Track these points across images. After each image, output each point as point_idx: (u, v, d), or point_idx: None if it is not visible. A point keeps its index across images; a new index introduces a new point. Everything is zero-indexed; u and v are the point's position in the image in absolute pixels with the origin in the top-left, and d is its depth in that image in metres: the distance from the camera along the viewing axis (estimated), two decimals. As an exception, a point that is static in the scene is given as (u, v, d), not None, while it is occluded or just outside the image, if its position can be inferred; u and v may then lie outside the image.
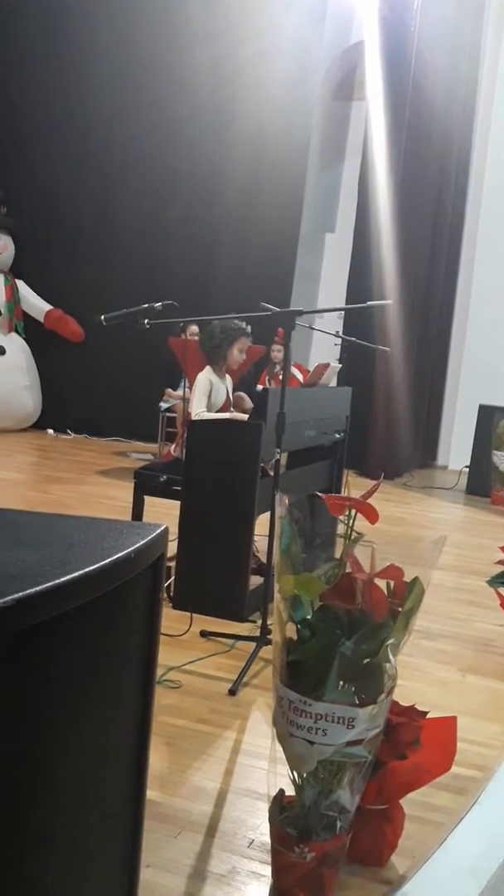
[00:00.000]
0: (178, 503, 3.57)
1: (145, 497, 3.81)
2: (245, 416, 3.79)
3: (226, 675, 2.91)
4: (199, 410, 3.75)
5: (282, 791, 1.84)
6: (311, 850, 1.74)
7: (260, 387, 6.64)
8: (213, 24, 7.98)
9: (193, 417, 3.72)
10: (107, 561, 1.12)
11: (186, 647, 3.12)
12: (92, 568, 1.07)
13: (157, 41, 8.05)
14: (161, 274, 8.09)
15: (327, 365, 4.73)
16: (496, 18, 9.12)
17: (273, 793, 1.84)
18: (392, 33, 7.91)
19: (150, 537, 1.28)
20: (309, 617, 1.78)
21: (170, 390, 7.06)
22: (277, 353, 6.90)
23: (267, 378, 7.03)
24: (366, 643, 1.71)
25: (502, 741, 2.63)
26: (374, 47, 7.98)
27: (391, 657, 1.73)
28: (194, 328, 5.97)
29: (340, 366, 5.27)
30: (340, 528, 2.89)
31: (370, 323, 7.46)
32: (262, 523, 3.33)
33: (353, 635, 1.71)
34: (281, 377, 3.33)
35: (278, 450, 2.97)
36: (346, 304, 8.16)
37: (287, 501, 1.85)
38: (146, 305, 3.29)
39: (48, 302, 8.55)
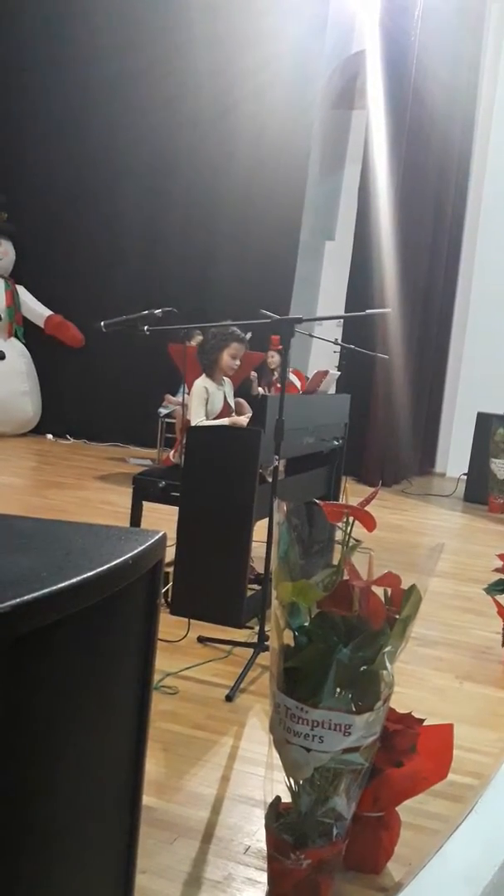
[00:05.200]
0: (176, 509, 3.57)
1: (144, 503, 3.81)
2: (244, 422, 3.79)
3: (223, 681, 2.91)
4: (198, 420, 3.76)
5: (278, 798, 1.84)
6: (307, 857, 1.74)
7: (261, 392, 6.64)
8: (214, 31, 8.01)
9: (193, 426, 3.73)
10: (105, 567, 1.12)
11: (184, 653, 3.12)
12: (90, 574, 1.08)
13: (158, 48, 8.08)
14: (161, 280, 8.11)
15: (326, 372, 4.74)
16: (496, 28, 9.17)
17: (269, 799, 1.84)
18: (393, 42, 7.94)
19: (147, 543, 1.28)
20: (306, 624, 1.78)
21: (169, 396, 7.07)
22: (273, 359, 6.91)
23: (265, 384, 7.03)
24: (363, 650, 1.71)
25: (499, 748, 2.63)
26: (375, 56, 8.01)
27: (388, 664, 1.73)
28: (200, 337, 5.98)
29: (339, 373, 5.28)
30: (338, 535, 2.89)
31: (369, 331, 7.47)
32: (259, 530, 3.33)
33: (351, 642, 1.72)
34: (279, 384, 3.34)
35: (277, 456, 2.98)
36: (346, 311, 8.18)
37: (285, 508, 1.85)
38: (146, 312, 3.30)
39: (48, 307, 8.56)
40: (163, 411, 7.22)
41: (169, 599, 3.51)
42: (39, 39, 8.32)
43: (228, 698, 2.77)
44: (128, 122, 8.21)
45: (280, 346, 3.34)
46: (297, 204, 8.33)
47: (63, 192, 8.41)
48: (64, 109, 8.33)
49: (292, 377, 5.95)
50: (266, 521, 3.03)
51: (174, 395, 6.95)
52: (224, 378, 4.03)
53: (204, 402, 3.84)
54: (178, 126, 8.20)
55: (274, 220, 8.11)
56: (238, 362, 3.96)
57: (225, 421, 3.82)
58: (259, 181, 8.15)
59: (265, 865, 1.84)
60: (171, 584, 3.52)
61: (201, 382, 3.89)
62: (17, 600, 0.93)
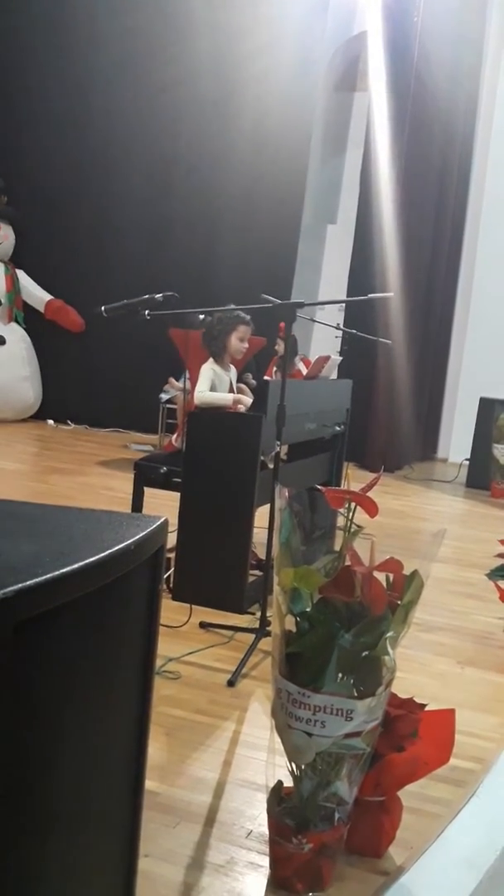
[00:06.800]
0: (178, 494, 3.57)
1: (145, 488, 3.81)
2: (248, 401, 3.78)
3: (225, 666, 2.91)
4: (200, 389, 3.74)
5: (280, 782, 1.85)
6: (308, 841, 1.75)
7: (267, 378, 6.62)
8: (214, 14, 7.94)
9: (196, 395, 3.71)
10: (106, 553, 1.12)
11: (186, 639, 3.12)
12: (92, 560, 1.07)
13: (158, 31, 8.01)
14: (162, 265, 8.07)
15: (328, 357, 4.72)
16: (499, 9, 9.06)
17: (271, 784, 1.85)
18: (395, 24, 7.87)
19: (149, 529, 1.28)
20: (308, 609, 1.78)
21: (172, 379, 7.04)
22: (281, 347, 6.88)
23: (274, 371, 7.01)
24: (364, 636, 1.71)
25: (500, 734, 2.64)
26: (377, 38, 7.93)
27: (390, 650, 1.73)
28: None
29: (341, 358, 5.26)
30: (340, 521, 2.89)
31: (371, 315, 7.44)
32: (261, 515, 3.33)
33: (352, 628, 1.72)
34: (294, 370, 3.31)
35: (278, 442, 2.97)
36: (348, 295, 8.14)
37: (287, 494, 1.85)
38: (147, 296, 3.28)
39: (49, 292, 8.53)
40: (164, 397, 7.21)
41: (171, 585, 3.52)
42: (39, 24, 8.24)
43: (230, 683, 2.78)
44: (128, 106, 8.15)
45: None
46: (298, 187, 8.28)
47: (63, 176, 8.35)
48: (64, 93, 8.26)
49: (301, 365, 5.93)
50: (268, 507, 3.02)
51: (178, 379, 6.93)
52: (230, 364, 4.02)
53: (210, 379, 3.83)
54: (179, 110, 8.14)
55: (275, 204, 8.07)
56: (246, 345, 3.95)
57: (229, 397, 3.80)
58: (261, 164, 8.09)
59: (267, 849, 1.85)
60: (172, 569, 3.53)
61: (209, 366, 3.88)
62: (20, 585, 0.93)
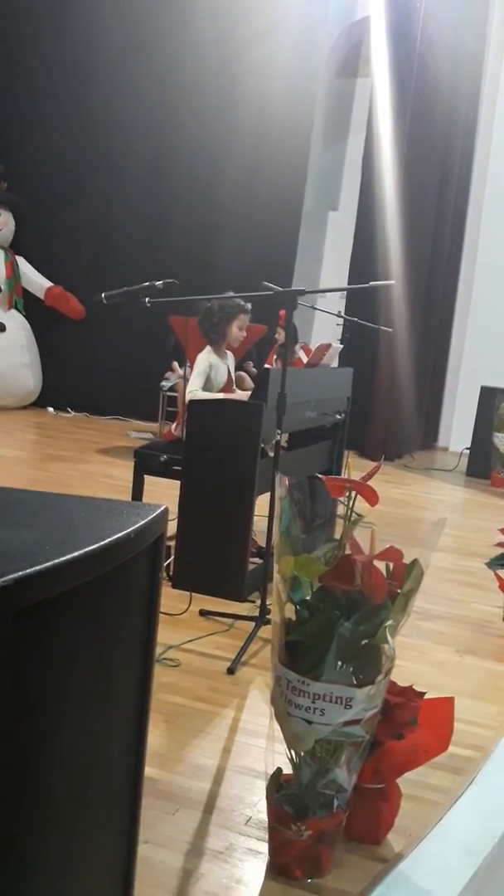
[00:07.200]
0: (178, 483, 3.57)
1: (145, 476, 3.81)
2: (243, 396, 3.77)
3: (224, 653, 2.92)
4: (192, 388, 3.73)
5: (279, 769, 1.86)
6: (307, 827, 1.75)
7: (268, 366, 6.61)
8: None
9: (187, 396, 3.70)
10: (107, 541, 1.11)
11: (185, 626, 3.13)
12: (92, 548, 1.07)
13: (160, 16, 7.95)
14: (162, 252, 8.04)
15: (329, 345, 4.71)
16: (503, -6, 9.00)
17: (271, 771, 1.85)
18: (398, 9, 7.80)
19: (149, 517, 1.27)
20: (308, 598, 1.78)
21: (176, 364, 7.02)
22: (281, 335, 6.87)
23: (275, 359, 7.00)
24: (364, 624, 1.72)
25: (499, 722, 2.65)
26: (380, 23, 7.87)
27: (389, 638, 1.73)
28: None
29: (342, 346, 5.25)
30: (340, 510, 2.89)
31: (373, 303, 7.42)
32: (261, 504, 3.33)
33: (352, 616, 1.72)
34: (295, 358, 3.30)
35: (279, 430, 2.96)
36: (349, 283, 8.11)
37: (287, 482, 1.85)
38: (147, 283, 3.27)
39: (49, 279, 8.50)
40: (165, 384, 7.20)
41: (171, 573, 3.52)
42: (40, 9, 8.17)
43: (230, 671, 2.79)
44: (129, 92, 8.09)
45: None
46: (300, 174, 8.24)
47: (64, 163, 8.30)
48: (65, 80, 8.20)
49: (301, 353, 5.92)
50: (268, 495, 3.02)
51: (181, 365, 6.91)
52: (227, 351, 4.01)
53: (205, 373, 3.81)
54: (181, 96, 8.09)
55: (277, 191, 8.03)
56: (244, 333, 3.94)
57: (219, 396, 3.79)
58: (262, 151, 8.05)
59: (266, 836, 1.86)
60: (172, 557, 3.53)
61: (206, 356, 3.86)
62: (20, 574, 0.93)
